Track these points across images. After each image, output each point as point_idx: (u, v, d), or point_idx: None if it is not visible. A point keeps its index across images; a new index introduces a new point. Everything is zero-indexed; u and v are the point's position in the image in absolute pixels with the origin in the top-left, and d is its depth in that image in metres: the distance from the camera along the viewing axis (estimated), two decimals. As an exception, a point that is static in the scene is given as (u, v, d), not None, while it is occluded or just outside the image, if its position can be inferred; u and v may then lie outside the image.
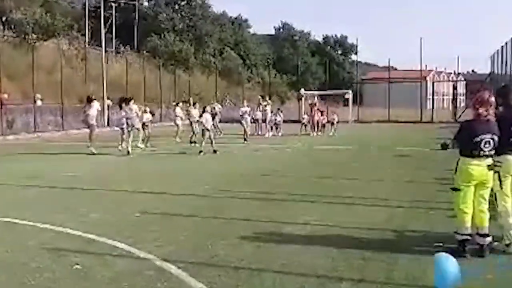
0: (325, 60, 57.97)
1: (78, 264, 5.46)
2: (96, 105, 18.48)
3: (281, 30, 79.43)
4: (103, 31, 34.28)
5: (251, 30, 70.41)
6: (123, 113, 17.85)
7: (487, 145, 5.65)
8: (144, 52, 45.59)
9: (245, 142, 21.92)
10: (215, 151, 17.02)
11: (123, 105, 17.90)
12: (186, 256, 5.73)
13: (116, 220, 7.62)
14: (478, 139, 5.64)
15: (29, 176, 12.20)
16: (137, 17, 52.49)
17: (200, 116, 18.02)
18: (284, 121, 28.84)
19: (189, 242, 6.40)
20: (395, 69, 74.45)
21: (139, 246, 6.10)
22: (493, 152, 5.70)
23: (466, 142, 5.75)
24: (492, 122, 5.75)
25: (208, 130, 17.26)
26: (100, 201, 9.17)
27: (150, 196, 9.73)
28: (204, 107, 18.32)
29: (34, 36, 32.45)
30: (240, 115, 23.78)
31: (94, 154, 16.90)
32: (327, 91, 42.88)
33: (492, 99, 5.82)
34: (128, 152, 16.95)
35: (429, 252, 5.87)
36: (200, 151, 16.94)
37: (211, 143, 17.25)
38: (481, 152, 5.66)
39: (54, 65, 30.40)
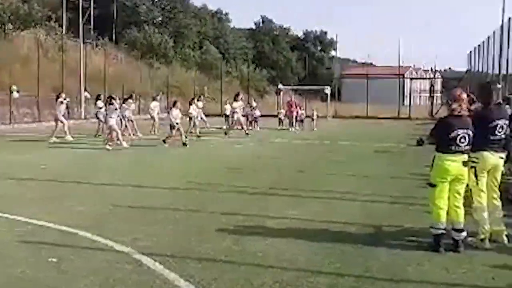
0: (304, 55, 58.12)
1: (53, 258, 5.39)
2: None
3: (261, 25, 79.19)
4: (81, 22, 33.82)
5: (231, 24, 70.13)
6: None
7: (462, 140, 5.73)
8: (123, 44, 45.07)
9: (226, 136, 21.90)
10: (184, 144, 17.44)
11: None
12: (164, 250, 5.70)
13: (92, 213, 7.54)
14: (454, 134, 5.72)
15: (3, 168, 12.01)
16: (115, 9, 51.87)
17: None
18: (263, 116, 28.84)
19: (167, 235, 6.36)
20: (374, 65, 74.92)
21: (116, 239, 6.05)
22: (468, 148, 5.78)
23: (442, 137, 5.82)
24: (466, 118, 5.83)
25: (176, 124, 17.61)
26: (76, 193, 9.05)
27: (128, 189, 9.65)
28: (175, 102, 18.58)
29: (11, 26, 31.82)
30: (232, 111, 23.74)
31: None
32: (306, 86, 42.94)
33: (464, 95, 5.92)
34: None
35: (407, 246, 5.95)
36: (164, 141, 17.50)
37: (180, 135, 17.70)
38: (457, 148, 5.73)
39: (31, 56, 29.83)
